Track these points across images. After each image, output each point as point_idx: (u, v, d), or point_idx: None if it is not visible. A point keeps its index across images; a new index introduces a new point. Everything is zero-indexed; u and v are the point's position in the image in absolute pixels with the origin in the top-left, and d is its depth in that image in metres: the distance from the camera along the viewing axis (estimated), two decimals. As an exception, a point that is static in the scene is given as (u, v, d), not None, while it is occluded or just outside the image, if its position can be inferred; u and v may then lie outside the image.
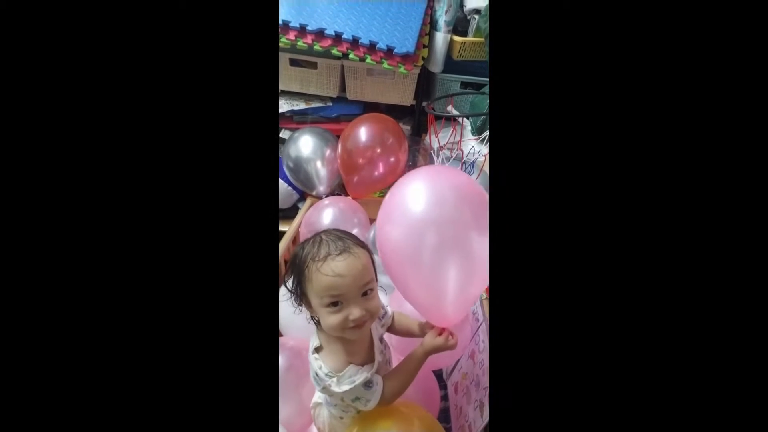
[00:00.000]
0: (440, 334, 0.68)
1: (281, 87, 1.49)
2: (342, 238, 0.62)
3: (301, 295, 0.62)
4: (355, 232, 1.26)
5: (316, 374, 0.63)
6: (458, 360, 1.07)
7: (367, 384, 0.62)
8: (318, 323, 0.65)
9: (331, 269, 0.58)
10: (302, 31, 1.27)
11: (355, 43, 1.28)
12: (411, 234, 0.63)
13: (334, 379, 0.61)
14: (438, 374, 1.12)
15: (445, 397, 1.14)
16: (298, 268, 0.61)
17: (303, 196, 1.48)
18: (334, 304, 0.59)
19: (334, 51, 1.30)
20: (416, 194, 0.65)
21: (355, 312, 0.59)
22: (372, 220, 1.30)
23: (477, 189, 0.67)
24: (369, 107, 1.52)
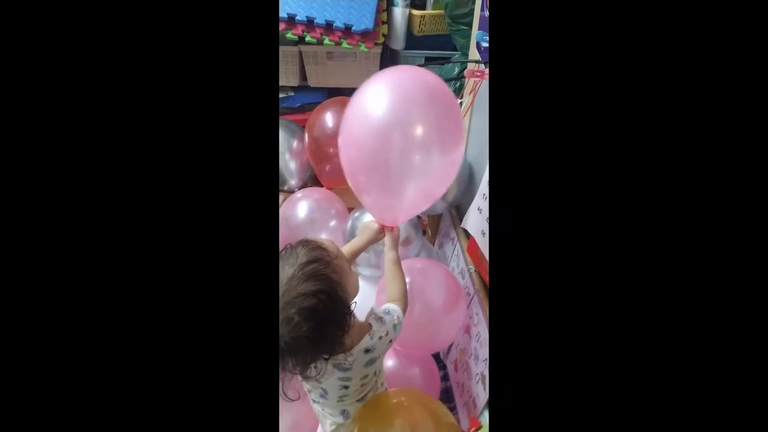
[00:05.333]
0: (391, 230, 0.78)
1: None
2: (297, 244, 0.61)
3: (344, 308, 0.58)
4: (332, 224, 1.22)
5: (395, 324, 0.69)
6: (454, 338, 1.06)
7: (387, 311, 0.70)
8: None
9: (338, 246, 0.64)
10: (253, 17, 1.20)
11: (310, 24, 1.22)
12: (376, 137, 0.62)
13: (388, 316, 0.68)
14: (435, 355, 1.11)
15: (445, 377, 1.13)
16: (325, 303, 0.55)
17: (275, 193, 1.41)
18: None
19: (289, 35, 1.24)
20: (380, 96, 0.63)
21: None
22: (350, 209, 1.26)
23: (444, 87, 0.66)
24: (333, 93, 1.46)
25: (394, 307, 0.70)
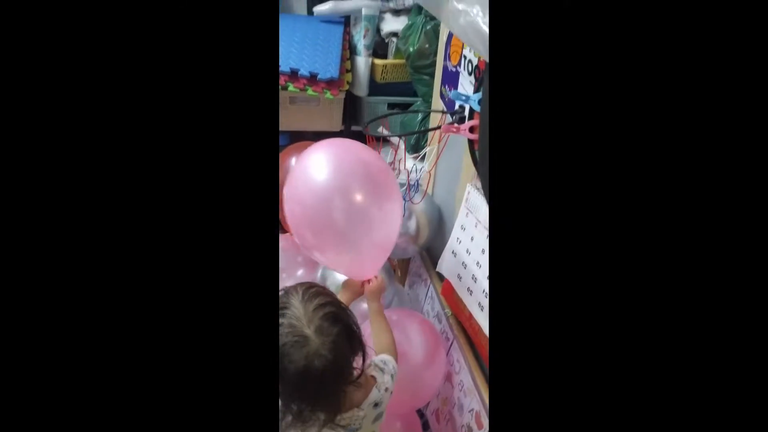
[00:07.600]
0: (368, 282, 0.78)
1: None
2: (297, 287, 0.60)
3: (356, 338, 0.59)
4: (299, 273, 1.17)
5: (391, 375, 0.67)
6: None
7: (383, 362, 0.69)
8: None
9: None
10: (214, 62, 1.17)
11: (274, 71, 1.21)
12: (321, 202, 0.68)
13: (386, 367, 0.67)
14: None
15: (425, 426, 1.09)
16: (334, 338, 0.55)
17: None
18: None
19: (253, 81, 1.22)
20: (320, 164, 0.70)
21: None
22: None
23: (379, 162, 0.73)
24: (295, 136, 1.45)
25: (388, 357, 0.70)
